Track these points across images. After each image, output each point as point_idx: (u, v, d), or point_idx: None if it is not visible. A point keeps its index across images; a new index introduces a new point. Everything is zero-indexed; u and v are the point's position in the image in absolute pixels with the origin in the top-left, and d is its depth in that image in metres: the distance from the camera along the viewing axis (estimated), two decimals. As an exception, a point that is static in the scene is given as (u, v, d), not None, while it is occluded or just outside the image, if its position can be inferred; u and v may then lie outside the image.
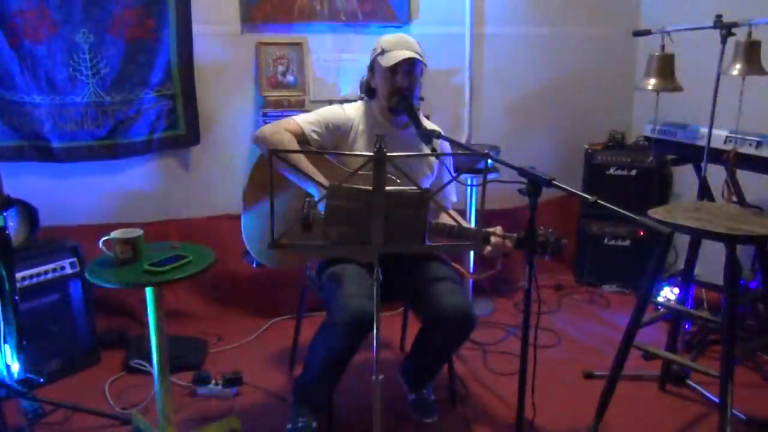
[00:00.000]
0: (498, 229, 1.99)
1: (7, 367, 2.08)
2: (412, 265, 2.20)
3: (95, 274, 1.80)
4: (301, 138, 2.13)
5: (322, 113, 2.20)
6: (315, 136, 2.14)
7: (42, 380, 2.35)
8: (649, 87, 2.76)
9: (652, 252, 2.16)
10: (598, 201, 1.61)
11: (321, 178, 1.94)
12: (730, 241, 1.92)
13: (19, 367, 2.10)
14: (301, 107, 3.08)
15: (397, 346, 2.86)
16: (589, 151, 3.59)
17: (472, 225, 2.96)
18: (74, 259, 2.59)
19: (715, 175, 2.70)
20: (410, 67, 2.10)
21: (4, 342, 2.05)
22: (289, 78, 3.17)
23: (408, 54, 2.08)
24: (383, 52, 2.11)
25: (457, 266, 2.31)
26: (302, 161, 2.03)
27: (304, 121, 2.15)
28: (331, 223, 1.51)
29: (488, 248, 1.97)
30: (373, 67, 2.18)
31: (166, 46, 2.92)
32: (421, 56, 2.12)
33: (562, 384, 2.55)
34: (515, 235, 1.97)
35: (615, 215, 1.61)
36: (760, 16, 2.39)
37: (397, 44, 2.12)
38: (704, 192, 2.69)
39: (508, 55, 3.62)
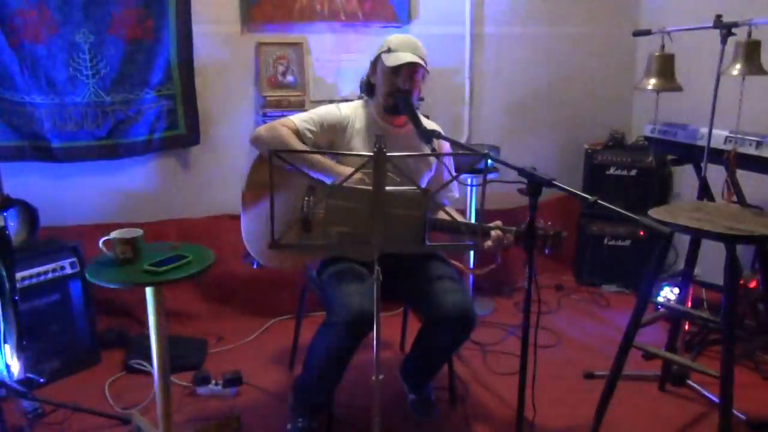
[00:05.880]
0: (497, 223, 2.00)
1: (7, 367, 2.08)
2: (412, 264, 2.20)
3: (95, 274, 1.80)
4: (296, 136, 2.13)
5: (318, 112, 2.20)
6: (309, 135, 2.14)
7: (42, 380, 2.35)
8: (649, 87, 2.76)
9: (652, 252, 2.16)
10: (598, 201, 1.61)
11: (335, 167, 1.98)
12: (730, 241, 1.92)
13: (19, 367, 2.10)
14: (301, 107, 3.08)
15: (397, 346, 2.86)
16: (589, 151, 3.59)
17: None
18: (74, 259, 2.59)
19: (715, 175, 2.70)
20: (412, 71, 2.10)
21: (4, 342, 2.05)
22: (289, 78, 3.17)
23: (413, 58, 2.08)
24: (389, 50, 2.11)
25: (457, 263, 2.31)
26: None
27: (299, 119, 2.15)
28: (331, 223, 1.52)
29: (488, 242, 1.97)
30: (376, 63, 2.18)
31: (166, 46, 2.92)
32: (425, 62, 2.12)
33: (562, 384, 2.55)
34: (514, 228, 1.98)
35: (615, 215, 1.61)
36: (760, 16, 2.39)
37: (405, 46, 2.12)
38: (704, 192, 2.69)
39: (508, 55, 3.62)
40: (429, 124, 2.19)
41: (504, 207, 3.19)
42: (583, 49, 3.74)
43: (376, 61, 2.17)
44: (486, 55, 3.56)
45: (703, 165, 2.65)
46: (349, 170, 1.78)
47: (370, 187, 1.48)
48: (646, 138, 3.24)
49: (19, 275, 2.36)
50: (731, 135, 2.62)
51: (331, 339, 2.00)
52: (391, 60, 2.09)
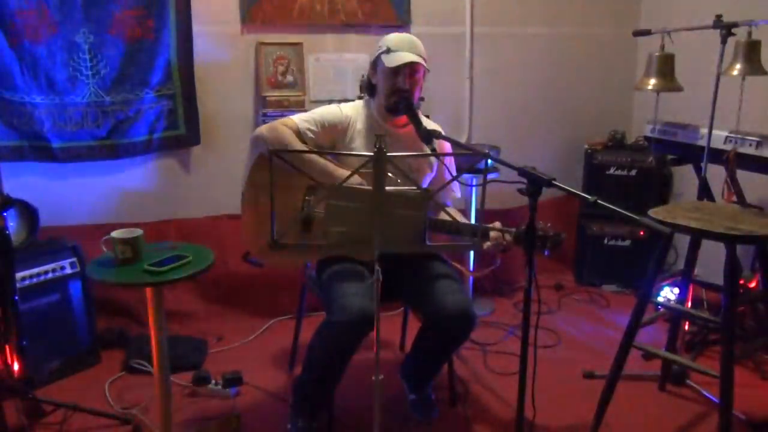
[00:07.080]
0: (497, 224, 2.00)
1: (8, 367, 2.08)
2: (412, 264, 2.20)
3: (95, 273, 1.80)
4: (297, 136, 2.13)
5: (319, 112, 2.20)
6: (310, 135, 2.14)
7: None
8: (649, 87, 2.76)
9: (652, 252, 2.16)
10: (598, 201, 1.61)
11: (334, 171, 1.96)
12: (730, 241, 1.92)
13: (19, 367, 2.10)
14: (301, 107, 3.08)
15: (397, 346, 2.86)
16: (589, 151, 3.59)
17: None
18: (74, 259, 2.59)
19: (715, 175, 2.70)
20: (413, 70, 2.10)
21: (5, 342, 2.05)
22: (289, 78, 3.17)
23: (413, 58, 2.08)
24: (388, 51, 2.10)
25: (458, 265, 2.31)
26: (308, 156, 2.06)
27: (300, 119, 2.15)
28: (331, 223, 1.52)
29: (487, 243, 1.97)
30: (376, 64, 2.17)
31: (166, 46, 2.92)
32: (425, 61, 2.12)
33: (562, 384, 2.55)
34: (514, 229, 1.98)
35: (615, 215, 1.61)
36: (760, 16, 2.40)
37: (403, 45, 2.11)
38: (704, 192, 2.69)
39: (508, 55, 3.62)
40: (429, 124, 2.19)
41: (504, 207, 3.20)
42: (583, 49, 3.75)
43: (376, 62, 2.16)
44: (486, 55, 3.56)
45: (703, 165, 2.65)
46: (347, 173, 1.78)
47: (371, 187, 1.48)
48: (646, 138, 3.25)
49: (19, 275, 2.36)
50: (731, 135, 2.63)
51: (330, 339, 2.00)
52: (391, 60, 2.09)
